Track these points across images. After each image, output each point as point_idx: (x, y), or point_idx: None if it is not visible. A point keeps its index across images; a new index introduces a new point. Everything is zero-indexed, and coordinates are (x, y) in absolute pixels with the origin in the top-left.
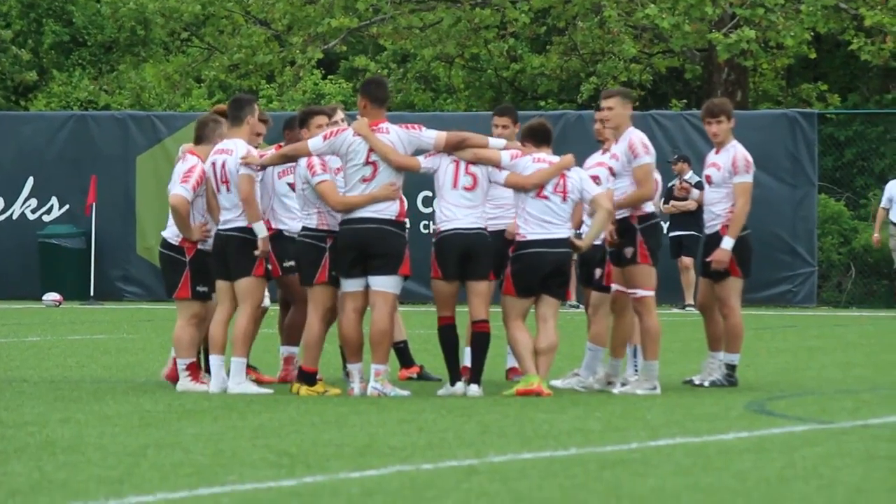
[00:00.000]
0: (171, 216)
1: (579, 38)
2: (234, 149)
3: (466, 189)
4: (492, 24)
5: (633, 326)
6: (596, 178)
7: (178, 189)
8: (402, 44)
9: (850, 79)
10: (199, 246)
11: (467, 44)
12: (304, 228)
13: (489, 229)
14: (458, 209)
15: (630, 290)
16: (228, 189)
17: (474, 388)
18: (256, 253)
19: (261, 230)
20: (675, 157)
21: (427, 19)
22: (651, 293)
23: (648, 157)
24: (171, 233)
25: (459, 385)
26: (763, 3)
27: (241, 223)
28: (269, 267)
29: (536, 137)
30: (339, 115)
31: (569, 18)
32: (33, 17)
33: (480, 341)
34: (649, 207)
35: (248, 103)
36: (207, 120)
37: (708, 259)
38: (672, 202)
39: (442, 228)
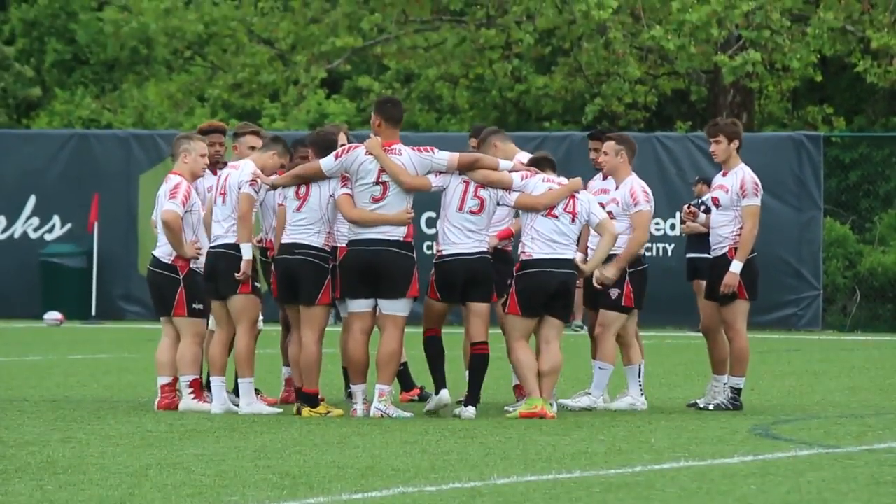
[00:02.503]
0: (161, 235)
1: (584, 59)
2: (241, 166)
3: (472, 212)
4: (496, 44)
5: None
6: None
7: (169, 205)
8: (406, 63)
9: (855, 101)
10: (191, 265)
11: (472, 64)
12: (304, 246)
13: None
14: (461, 233)
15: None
16: (224, 201)
17: (470, 410)
18: (238, 276)
19: (247, 252)
20: (697, 178)
21: (431, 39)
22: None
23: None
24: (164, 252)
25: (444, 392)
26: (769, 25)
27: (230, 239)
28: (266, 286)
29: (540, 166)
30: (343, 138)
31: (574, 39)
32: (36, 35)
33: (479, 363)
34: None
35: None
36: (178, 139)
37: (717, 284)
38: (687, 223)
39: (444, 252)
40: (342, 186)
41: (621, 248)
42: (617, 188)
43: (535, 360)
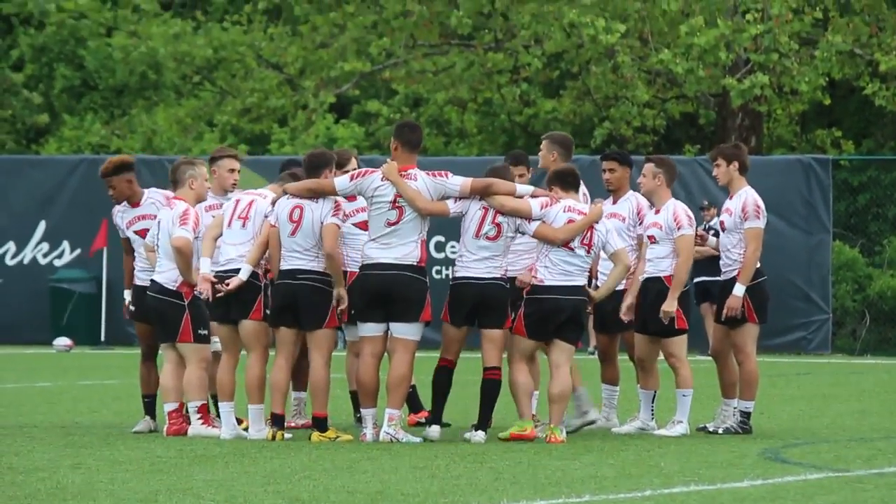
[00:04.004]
0: (162, 260)
1: (592, 82)
2: (267, 194)
3: (489, 239)
4: (505, 68)
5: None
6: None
7: (181, 231)
8: (414, 88)
9: (864, 125)
10: (194, 290)
11: (480, 88)
12: (306, 272)
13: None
14: (475, 258)
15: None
16: (244, 226)
17: (480, 435)
18: (220, 286)
19: (245, 273)
20: (706, 203)
21: (440, 63)
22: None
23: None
24: (168, 278)
25: (435, 428)
26: (777, 48)
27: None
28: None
29: (564, 182)
30: (353, 163)
31: (582, 63)
32: (45, 61)
33: (490, 388)
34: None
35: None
36: (180, 164)
37: (721, 306)
38: (696, 248)
39: (457, 275)
40: (333, 215)
41: (664, 272)
42: (658, 212)
43: (532, 382)
